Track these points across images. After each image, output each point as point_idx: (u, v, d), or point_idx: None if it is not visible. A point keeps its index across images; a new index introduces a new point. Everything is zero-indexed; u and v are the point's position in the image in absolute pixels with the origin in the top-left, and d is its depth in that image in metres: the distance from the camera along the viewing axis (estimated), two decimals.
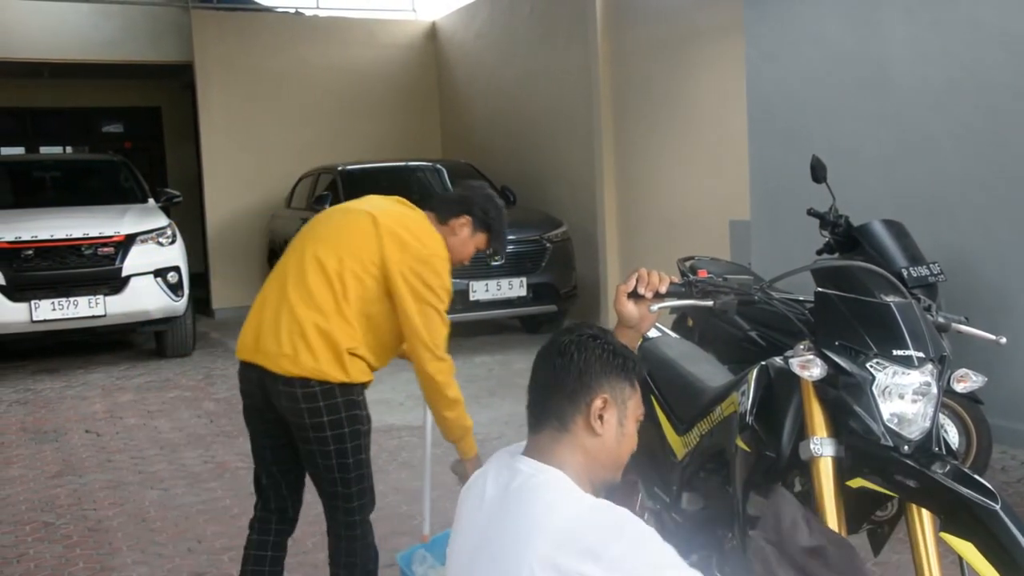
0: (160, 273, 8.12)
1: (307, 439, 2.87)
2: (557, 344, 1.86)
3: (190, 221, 12.03)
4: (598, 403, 1.80)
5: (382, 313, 2.86)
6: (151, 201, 9.11)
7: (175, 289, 8.18)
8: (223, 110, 11.34)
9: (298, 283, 2.86)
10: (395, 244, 2.87)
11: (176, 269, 8.22)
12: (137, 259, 8.01)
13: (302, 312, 2.80)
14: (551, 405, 1.83)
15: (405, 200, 3.10)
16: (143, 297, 8.02)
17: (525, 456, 1.84)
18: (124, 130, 15.11)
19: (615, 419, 1.83)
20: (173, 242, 8.34)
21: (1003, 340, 2.20)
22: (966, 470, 1.93)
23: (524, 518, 1.69)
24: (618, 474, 1.90)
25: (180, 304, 8.23)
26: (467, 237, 3.06)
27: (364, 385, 2.92)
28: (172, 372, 8.03)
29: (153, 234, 8.24)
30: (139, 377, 7.87)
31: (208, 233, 11.53)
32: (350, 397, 2.86)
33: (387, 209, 3.01)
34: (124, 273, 7.95)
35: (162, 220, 8.51)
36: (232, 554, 4.04)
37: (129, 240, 8.03)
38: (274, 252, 10.87)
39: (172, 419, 6.42)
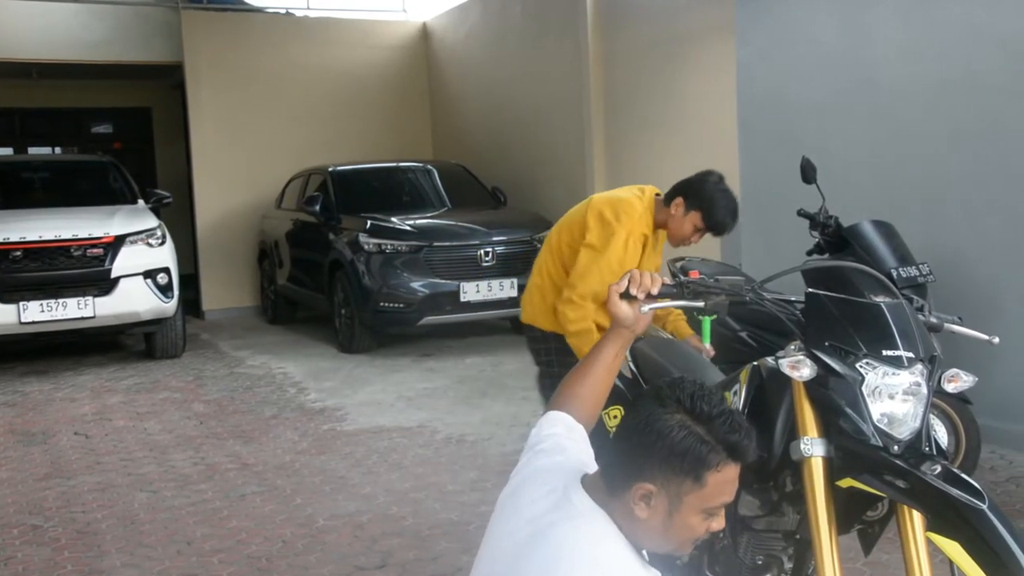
0: (150, 274, 8.07)
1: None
2: (643, 403, 1.70)
3: (180, 222, 11.99)
4: (640, 491, 1.64)
5: None
6: (141, 202, 9.06)
7: (165, 290, 8.15)
8: (213, 111, 11.31)
9: (541, 254, 3.86)
10: (596, 219, 3.57)
11: (166, 270, 8.18)
12: (127, 260, 7.97)
13: (535, 276, 3.80)
14: (608, 463, 1.72)
15: (647, 188, 3.72)
16: (133, 298, 7.98)
17: (585, 491, 1.72)
18: (114, 131, 15.02)
19: (663, 508, 1.64)
20: (163, 243, 8.30)
21: (995, 340, 2.20)
22: (955, 470, 1.94)
23: (566, 562, 1.60)
24: (672, 551, 1.72)
25: (170, 305, 8.20)
26: (682, 216, 3.54)
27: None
28: (162, 374, 8.00)
29: (143, 235, 8.20)
30: (128, 379, 7.84)
31: (198, 234, 11.49)
32: (561, 344, 3.58)
33: (611, 194, 3.73)
34: (113, 274, 7.90)
35: (152, 221, 8.47)
36: (222, 556, 4.02)
37: (119, 241, 7.99)
38: (264, 253, 10.85)
39: (162, 421, 6.39)
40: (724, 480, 1.63)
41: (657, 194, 3.72)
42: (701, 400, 1.65)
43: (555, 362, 3.72)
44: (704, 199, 3.51)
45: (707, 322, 3.51)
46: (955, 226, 5.14)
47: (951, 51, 5.10)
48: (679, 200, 3.54)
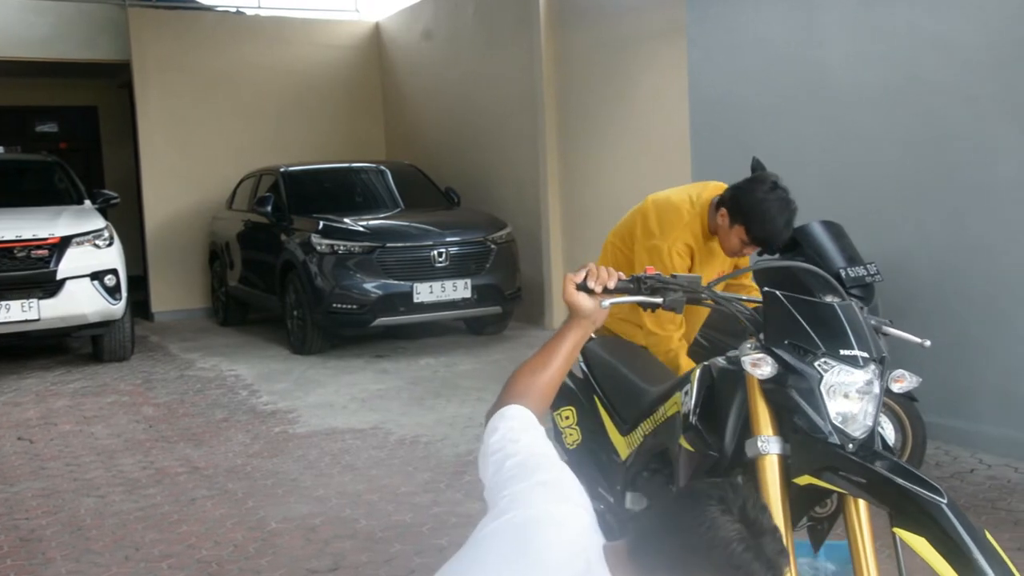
0: (97, 276, 7.94)
1: None
2: (704, 503, 1.62)
3: (128, 223, 11.80)
4: None
5: None
6: (87, 203, 8.91)
7: (112, 292, 8.02)
8: (162, 110, 11.15)
9: (600, 257, 3.67)
10: (642, 227, 3.42)
11: (114, 272, 8.05)
12: (73, 262, 7.83)
13: None
14: (647, 548, 1.63)
15: (707, 189, 3.44)
16: (79, 300, 7.84)
17: (608, 566, 1.64)
18: (59, 130, 14.75)
19: None
20: (110, 244, 8.16)
21: (927, 343, 2.22)
22: (911, 468, 1.97)
23: None
24: None
25: (118, 307, 8.07)
26: (727, 228, 3.21)
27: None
28: (110, 377, 7.86)
29: (90, 236, 8.06)
30: (75, 382, 7.69)
31: (147, 235, 11.32)
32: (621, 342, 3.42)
33: (664, 197, 3.47)
34: (59, 276, 7.75)
35: (99, 222, 8.32)
36: (171, 561, 3.96)
37: (64, 242, 7.85)
38: (215, 254, 10.72)
39: (109, 425, 6.28)
40: None
41: (716, 197, 3.43)
42: (761, 513, 1.63)
43: None
44: (746, 212, 3.13)
45: None
46: (901, 227, 5.23)
47: (895, 55, 5.19)
48: (724, 211, 3.21)
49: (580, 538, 1.68)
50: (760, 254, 3.49)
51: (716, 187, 3.46)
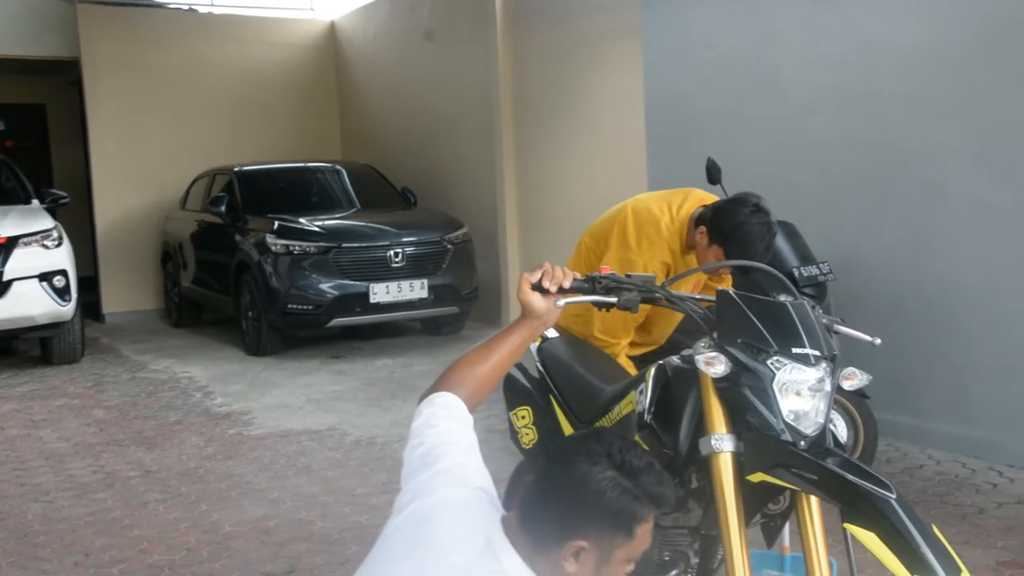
0: (45, 277, 7.80)
1: None
2: (572, 460, 1.66)
3: (79, 223, 11.59)
4: (573, 548, 1.63)
5: None
6: (35, 202, 8.74)
7: (62, 293, 7.88)
8: (113, 108, 10.97)
9: (571, 258, 3.59)
10: (618, 237, 3.31)
11: (63, 272, 7.91)
12: (20, 263, 7.69)
13: None
14: (532, 516, 1.68)
15: (688, 201, 3.33)
16: (27, 302, 7.70)
17: (511, 545, 1.68)
18: (5, 128, 14.46)
19: (593, 562, 1.64)
20: (60, 244, 8.03)
21: (877, 341, 2.25)
22: (861, 464, 1.99)
23: None
24: None
25: (67, 309, 7.93)
26: (705, 248, 3.16)
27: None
28: (59, 380, 7.72)
29: (38, 236, 7.92)
30: (23, 385, 7.55)
31: (98, 235, 11.13)
32: (586, 345, 3.36)
33: (643, 206, 3.35)
34: (6, 277, 7.60)
35: (47, 222, 8.18)
36: (122, 567, 3.90)
37: (11, 243, 7.70)
38: (168, 255, 10.58)
39: (58, 428, 6.16)
40: (648, 529, 1.68)
41: (696, 211, 3.34)
42: (628, 454, 1.66)
43: None
44: (726, 235, 3.05)
45: None
46: (853, 227, 5.31)
47: (847, 59, 5.26)
48: (702, 230, 3.16)
49: (475, 516, 1.72)
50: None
51: (698, 198, 3.40)
